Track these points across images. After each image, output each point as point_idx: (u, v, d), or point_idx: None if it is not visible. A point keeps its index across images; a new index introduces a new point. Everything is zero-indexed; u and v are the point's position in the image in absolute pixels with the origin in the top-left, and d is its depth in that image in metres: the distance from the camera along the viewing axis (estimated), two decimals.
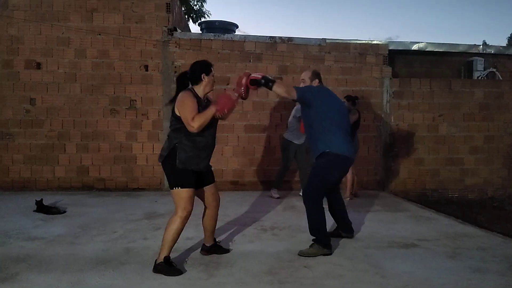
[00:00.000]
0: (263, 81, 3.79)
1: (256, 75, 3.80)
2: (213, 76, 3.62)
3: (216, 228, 3.98)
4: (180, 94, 3.50)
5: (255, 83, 3.76)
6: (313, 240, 4.03)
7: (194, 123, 3.35)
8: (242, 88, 3.69)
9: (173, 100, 3.57)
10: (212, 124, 3.55)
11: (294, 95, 3.90)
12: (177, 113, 3.46)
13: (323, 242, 4.00)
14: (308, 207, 4.04)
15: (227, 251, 4.04)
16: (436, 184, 8.20)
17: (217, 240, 4.07)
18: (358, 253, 4.10)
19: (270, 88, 3.85)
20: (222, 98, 3.48)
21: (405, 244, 4.42)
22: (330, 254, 4.00)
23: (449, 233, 4.89)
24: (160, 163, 3.63)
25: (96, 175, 7.48)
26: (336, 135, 4.00)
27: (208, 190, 3.74)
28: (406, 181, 8.13)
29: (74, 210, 5.73)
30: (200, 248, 4.01)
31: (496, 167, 8.33)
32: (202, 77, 3.54)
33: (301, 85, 4.21)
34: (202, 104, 3.53)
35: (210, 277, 3.40)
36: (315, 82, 4.20)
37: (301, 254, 3.96)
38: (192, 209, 3.49)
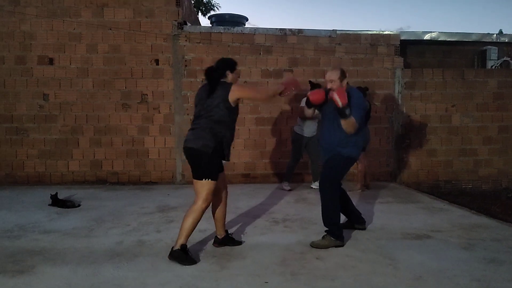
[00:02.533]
0: (347, 112, 3.80)
1: (336, 99, 3.78)
2: (237, 74, 3.77)
3: (228, 220, 4.01)
4: (234, 86, 3.59)
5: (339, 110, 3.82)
6: (326, 231, 4.04)
7: (262, 94, 3.84)
8: (290, 89, 3.90)
9: (211, 94, 3.59)
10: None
11: (357, 125, 3.91)
12: (232, 103, 3.56)
13: (336, 234, 4.00)
14: (324, 198, 4.05)
15: (239, 243, 4.07)
16: (449, 175, 8.12)
17: (229, 232, 4.10)
18: (371, 244, 4.09)
19: (346, 118, 3.83)
20: (291, 80, 3.87)
21: (418, 235, 4.40)
22: (342, 246, 4.00)
23: (462, 224, 4.86)
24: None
25: (110, 169, 7.56)
26: (359, 139, 4.13)
27: (220, 177, 3.78)
28: (419, 173, 8.07)
29: (88, 204, 5.81)
30: (212, 241, 4.05)
31: (510, 158, 8.22)
32: (227, 74, 3.67)
33: (328, 86, 4.01)
34: None
35: (222, 269, 3.43)
36: (344, 82, 4.02)
37: (313, 245, 3.97)
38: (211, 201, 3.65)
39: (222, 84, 3.60)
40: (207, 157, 3.53)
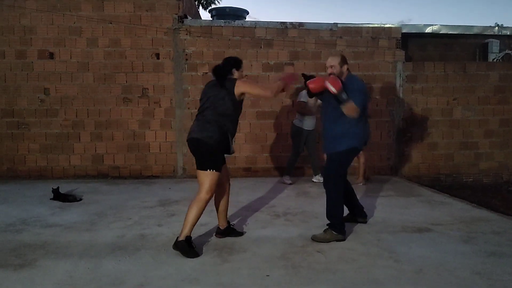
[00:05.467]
0: (343, 96, 3.80)
1: (331, 88, 3.80)
2: (242, 72, 3.91)
3: (229, 214, 4.04)
4: (238, 82, 3.68)
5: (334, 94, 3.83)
6: (327, 225, 4.04)
7: (268, 91, 3.75)
8: (290, 83, 3.99)
9: (218, 88, 3.71)
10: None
11: (359, 110, 3.88)
12: (237, 97, 3.68)
13: (337, 228, 4.00)
14: (329, 191, 4.07)
15: (241, 233, 4.13)
16: (450, 169, 8.12)
17: (231, 223, 4.14)
18: (372, 237, 4.10)
19: (343, 103, 3.82)
20: (289, 74, 3.93)
21: (419, 228, 4.41)
22: (344, 240, 4.01)
23: (463, 217, 4.87)
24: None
25: (111, 163, 7.57)
26: (363, 129, 4.11)
27: (222, 169, 3.82)
28: (420, 166, 8.07)
29: (90, 198, 5.83)
30: (213, 234, 4.07)
31: (511, 151, 8.21)
32: (233, 72, 3.80)
33: (329, 71, 4.03)
34: None
35: (224, 263, 3.45)
36: (345, 68, 4.04)
37: (314, 239, 3.98)
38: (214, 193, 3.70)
39: (228, 79, 3.73)
40: (211, 148, 3.60)
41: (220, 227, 4.06)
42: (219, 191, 3.89)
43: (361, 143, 4.14)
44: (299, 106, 6.68)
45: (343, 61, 4.04)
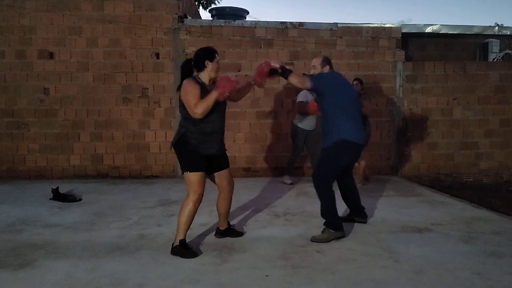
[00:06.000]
0: (280, 71, 3.88)
1: (274, 65, 3.86)
2: (217, 62, 3.65)
3: (229, 214, 4.04)
4: (183, 83, 3.56)
5: (273, 73, 3.88)
6: (324, 224, 4.05)
7: (197, 109, 3.44)
8: (264, 80, 3.87)
9: (179, 88, 3.62)
10: (218, 109, 3.62)
11: (308, 84, 3.97)
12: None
13: (333, 225, 4.01)
14: (318, 190, 4.06)
15: (241, 234, 4.11)
16: (450, 169, 8.12)
17: (231, 224, 4.14)
18: (371, 237, 4.10)
19: (286, 78, 3.93)
20: (222, 81, 3.51)
21: (419, 228, 4.40)
22: (344, 236, 4.02)
23: (463, 217, 4.86)
24: (172, 150, 3.72)
25: (110, 163, 7.57)
26: (348, 123, 4.00)
27: (222, 174, 3.81)
28: (420, 166, 8.06)
29: (89, 198, 5.82)
30: (213, 234, 4.08)
31: (511, 151, 8.20)
32: (206, 64, 3.59)
33: (312, 71, 4.21)
34: (208, 90, 3.56)
35: (223, 263, 3.44)
36: (326, 69, 4.16)
37: (314, 240, 3.97)
38: (203, 192, 3.59)
39: (184, 81, 3.57)
40: (179, 152, 3.63)
41: (220, 227, 4.05)
42: (219, 194, 3.88)
43: (354, 136, 4.00)
44: (299, 107, 6.68)
45: (325, 62, 4.19)
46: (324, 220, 4.06)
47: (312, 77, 4.07)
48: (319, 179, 4.06)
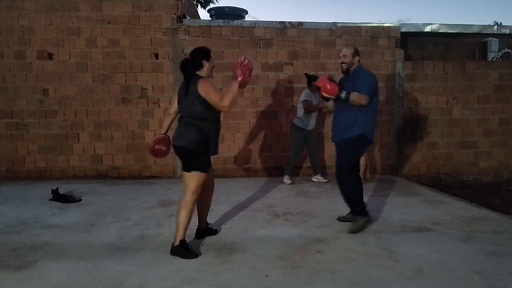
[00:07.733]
0: (343, 96, 4.00)
1: (331, 93, 3.98)
2: (212, 63, 3.72)
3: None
4: (200, 84, 3.51)
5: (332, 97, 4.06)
6: (352, 213, 4.22)
7: (224, 102, 3.46)
8: (246, 77, 3.65)
9: (187, 91, 3.57)
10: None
11: (365, 101, 4.04)
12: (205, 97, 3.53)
13: (364, 212, 4.19)
14: (343, 180, 4.20)
15: (215, 232, 4.17)
16: (450, 168, 8.12)
17: (208, 223, 4.17)
18: (371, 237, 4.09)
19: (347, 101, 4.03)
20: (240, 68, 3.54)
21: (419, 228, 4.40)
22: (371, 221, 4.30)
23: (463, 216, 4.86)
24: (172, 151, 3.69)
25: (110, 164, 7.56)
26: (371, 122, 4.23)
27: (210, 172, 3.82)
28: (419, 165, 8.07)
29: (89, 198, 5.82)
30: (212, 235, 4.09)
31: (511, 150, 8.20)
32: (203, 63, 3.64)
33: (341, 60, 4.27)
34: None
35: (223, 263, 3.44)
36: (356, 59, 4.27)
37: (351, 232, 4.13)
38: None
39: (194, 79, 3.57)
40: (193, 153, 3.58)
41: (201, 228, 4.05)
42: (205, 192, 3.83)
43: (371, 133, 4.23)
44: (306, 106, 6.66)
45: (356, 53, 4.28)
46: (352, 209, 4.24)
47: (363, 87, 4.06)
48: (343, 169, 4.18)
